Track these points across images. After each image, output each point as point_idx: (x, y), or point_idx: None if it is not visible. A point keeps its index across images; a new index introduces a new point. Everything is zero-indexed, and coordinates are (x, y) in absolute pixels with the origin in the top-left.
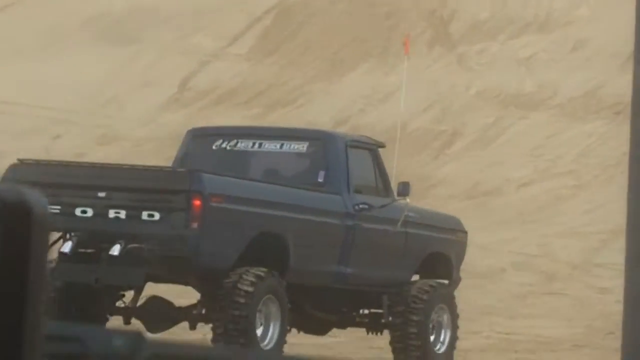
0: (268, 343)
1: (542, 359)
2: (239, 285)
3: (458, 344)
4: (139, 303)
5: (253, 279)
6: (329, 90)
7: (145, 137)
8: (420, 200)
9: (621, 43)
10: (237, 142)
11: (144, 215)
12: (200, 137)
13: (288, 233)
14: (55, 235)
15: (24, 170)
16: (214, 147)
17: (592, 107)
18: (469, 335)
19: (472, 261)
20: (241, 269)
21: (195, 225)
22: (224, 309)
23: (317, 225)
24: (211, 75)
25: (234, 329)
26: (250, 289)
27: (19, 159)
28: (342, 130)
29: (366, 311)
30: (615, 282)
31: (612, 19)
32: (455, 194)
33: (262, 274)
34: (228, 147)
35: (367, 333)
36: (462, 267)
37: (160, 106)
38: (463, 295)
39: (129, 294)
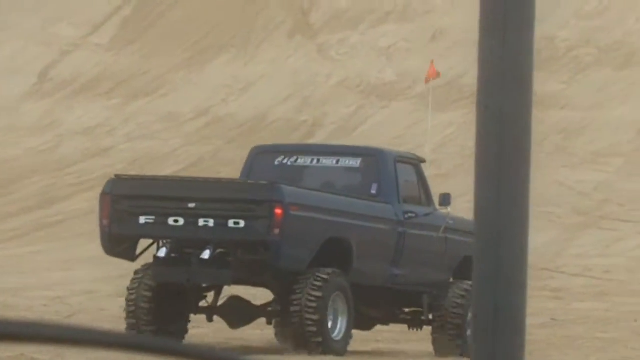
0: (337, 334)
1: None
2: (314, 282)
3: None
4: (220, 303)
5: (325, 277)
6: (190, 80)
7: (6, 127)
8: None
9: None
10: (297, 159)
11: (230, 223)
12: (263, 153)
13: (352, 238)
14: (148, 241)
15: (120, 184)
16: (276, 163)
17: (452, 97)
18: None
19: None
20: (314, 269)
21: (276, 231)
22: (301, 303)
23: (375, 231)
24: (72, 65)
25: (310, 320)
26: (323, 286)
27: (116, 175)
28: (203, 120)
29: (407, 309)
30: None
31: (472, 8)
32: None
33: (332, 273)
34: (289, 163)
35: (408, 329)
36: None
37: (21, 96)
38: None
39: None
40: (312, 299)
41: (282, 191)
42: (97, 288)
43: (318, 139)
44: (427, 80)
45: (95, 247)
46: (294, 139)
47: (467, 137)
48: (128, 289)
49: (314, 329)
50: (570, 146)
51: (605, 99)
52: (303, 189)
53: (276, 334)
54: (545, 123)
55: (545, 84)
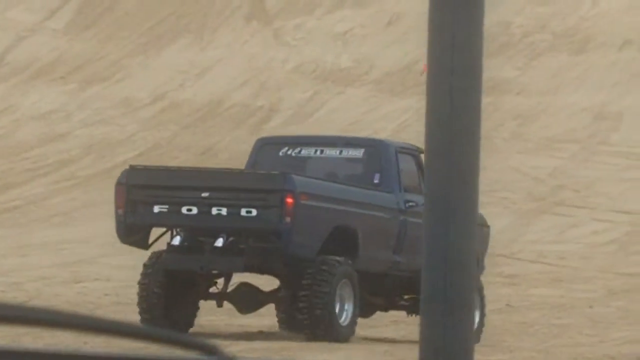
0: (344, 320)
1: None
2: (322, 270)
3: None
4: (230, 289)
5: (333, 265)
6: (146, 65)
7: None
8: None
9: None
10: (301, 150)
11: (243, 211)
12: (268, 145)
13: (357, 226)
14: (161, 229)
15: (135, 174)
16: (280, 154)
17: (408, 82)
18: None
19: None
20: (322, 257)
21: (287, 219)
22: (310, 289)
23: (379, 220)
24: (28, 50)
25: (319, 304)
26: (330, 273)
27: (130, 165)
28: (160, 105)
29: (406, 296)
30: None
31: None
32: None
33: (339, 261)
34: (293, 154)
35: (407, 315)
36: None
37: None
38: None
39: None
40: (321, 285)
41: (293, 181)
42: (52, 274)
43: (274, 124)
44: (424, 72)
45: (51, 232)
46: (250, 124)
47: (423, 123)
48: (139, 282)
49: (322, 315)
50: (526, 132)
51: (560, 85)
52: (312, 179)
53: (279, 320)
54: (500, 109)
55: (500, 69)
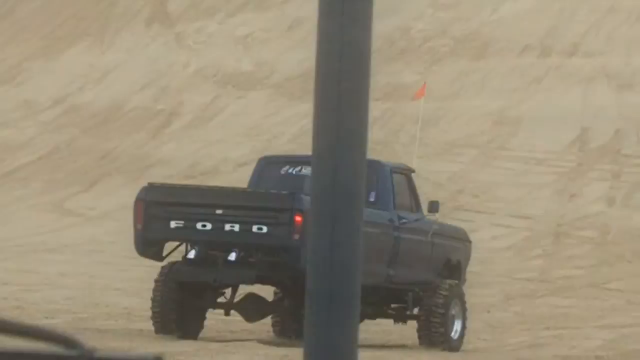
0: None
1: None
2: None
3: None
4: (237, 299)
5: None
6: (47, 68)
7: None
8: (137, 181)
9: None
10: (302, 168)
11: (254, 228)
12: (270, 163)
13: None
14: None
15: (153, 191)
16: (282, 172)
17: (308, 87)
18: None
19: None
20: None
21: (297, 236)
22: None
23: (376, 235)
24: None
25: None
26: None
27: (149, 183)
28: (60, 108)
29: (393, 305)
30: None
31: None
32: (173, 173)
33: None
34: (294, 172)
35: (394, 323)
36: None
37: None
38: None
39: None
40: None
41: (302, 200)
42: None
43: (175, 127)
44: (415, 98)
45: None
46: (150, 128)
47: None
48: (153, 291)
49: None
50: (425, 136)
51: (460, 90)
52: None
53: (274, 328)
54: (399, 114)
55: (400, 74)
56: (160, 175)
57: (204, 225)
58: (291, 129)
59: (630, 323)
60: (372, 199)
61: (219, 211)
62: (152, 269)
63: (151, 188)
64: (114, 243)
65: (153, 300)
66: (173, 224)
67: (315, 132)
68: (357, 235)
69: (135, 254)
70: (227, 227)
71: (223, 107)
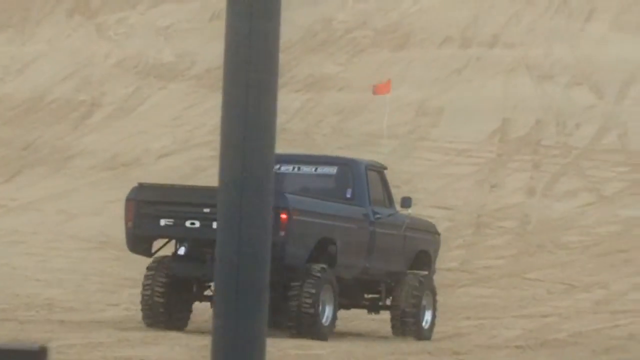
0: (326, 321)
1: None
2: (309, 277)
3: (96, 315)
4: None
5: (318, 272)
6: None
7: None
8: (59, 171)
9: None
10: (281, 167)
11: None
12: None
13: (337, 237)
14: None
15: (143, 191)
16: None
17: None
18: (109, 307)
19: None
20: (308, 265)
21: (282, 233)
22: (299, 292)
23: (354, 231)
24: None
25: (306, 306)
26: (316, 280)
27: (139, 183)
28: None
29: (367, 296)
30: None
31: None
32: (95, 164)
33: (322, 269)
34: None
35: (368, 313)
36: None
37: None
38: (106, 266)
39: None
40: (308, 291)
41: (287, 199)
42: None
43: (96, 119)
44: (375, 92)
45: None
46: (72, 119)
47: None
48: (143, 284)
49: (308, 316)
50: (347, 127)
51: (381, 81)
52: (303, 197)
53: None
54: (321, 105)
55: (322, 65)
56: (82, 167)
57: (192, 223)
58: (212, 120)
59: (550, 312)
60: (348, 196)
61: (206, 210)
62: (74, 260)
63: (141, 188)
64: (35, 234)
65: (143, 293)
66: (163, 222)
67: (224, 122)
68: (265, 224)
69: (56, 244)
70: (215, 225)
71: (145, 98)
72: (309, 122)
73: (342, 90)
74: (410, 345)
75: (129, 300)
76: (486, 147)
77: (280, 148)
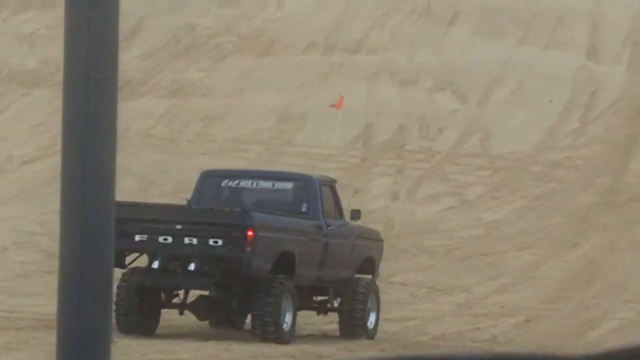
0: (286, 326)
1: (43, 336)
2: (271, 287)
3: None
4: (190, 300)
5: (279, 283)
6: None
7: None
8: None
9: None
10: (240, 182)
11: (210, 241)
12: (211, 177)
13: (295, 250)
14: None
15: (119, 208)
16: (222, 185)
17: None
18: None
19: None
20: (270, 276)
21: (249, 249)
22: (262, 301)
23: (310, 243)
24: None
25: (270, 313)
26: (278, 289)
27: (116, 201)
28: None
29: (316, 298)
30: None
31: None
32: None
33: (283, 280)
34: (233, 185)
35: (317, 314)
36: None
37: None
38: None
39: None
40: (270, 300)
41: (253, 217)
42: None
43: None
44: (333, 106)
45: None
46: None
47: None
48: (116, 293)
49: (271, 323)
50: (211, 133)
51: (245, 86)
52: (267, 214)
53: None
54: (185, 110)
55: (185, 72)
56: None
57: (165, 239)
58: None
59: (413, 316)
60: (304, 210)
61: (178, 226)
62: None
63: (118, 205)
64: None
65: (117, 302)
66: (137, 237)
67: (65, 122)
68: (109, 222)
69: None
70: (186, 240)
71: (7, 105)
72: (173, 128)
73: (206, 96)
74: (274, 349)
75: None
76: (350, 152)
77: (146, 154)
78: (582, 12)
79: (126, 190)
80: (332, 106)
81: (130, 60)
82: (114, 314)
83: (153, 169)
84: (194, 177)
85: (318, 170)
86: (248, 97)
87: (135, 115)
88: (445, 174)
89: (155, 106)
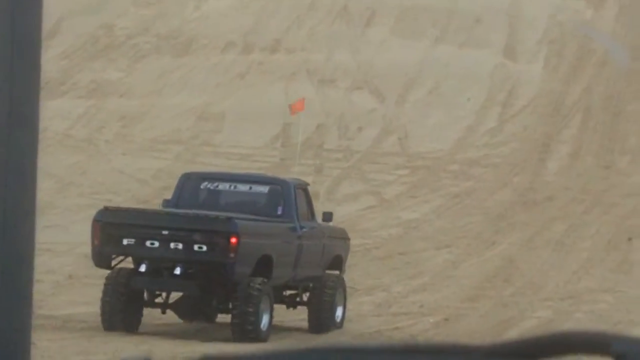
0: (264, 326)
1: None
2: (250, 289)
3: None
4: (173, 300)
5: (259, 285)
6: None
7: None
8: None
9: None
10: (218, 185)
11: (195, 247)
12: (191, 179)
13: (273, 253)
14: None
15: (108, 214)
16: (201, 187)
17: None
18: None
19: None
20: (249, 279)
21: (232, 255)
22: (243, 302)
23: (285, 245)
24: None
25: (249, 314)
26: (256, 292)
27: (105, 206)
28: None
29: (286, 293)
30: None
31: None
32: None
33: (261, 282)
34: (212, 188)
35: (287, 308)
36: None
37: None
38: None
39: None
40: (250, 301)
41: (236, 224)
42: None
43: None
44: (293, 112)
45: None
46: None
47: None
48: (102, 292)
49: (250, 323)
50: (129, 133)
51: (164, 86)
52: (249, 221)
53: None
54: (103, 111)
55: (103, 72)
56: None
57: (152, 244)
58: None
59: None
60: (279, 213)
61: (165, 232)
62: None
63: (106, 211)
64: None
65: (102, 301)
66: (125, 242)
67: None
68: (30, 219)
69: None
70: (172, 245)
71: None
72: (91, 128)
73: (124, 96)
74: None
75: None
76: (269, 151)
77: (64, 155)
78: (499, 11)
79: (45, 191)
80: (293, 109)
81: (48, 60)
82: (99, 311)
83: (71, 170)
84: (113, 178)
85: (238, 170)
86: (167, 97)
87: (53, 115)
88: (364, 173)
89: (74, 106)
